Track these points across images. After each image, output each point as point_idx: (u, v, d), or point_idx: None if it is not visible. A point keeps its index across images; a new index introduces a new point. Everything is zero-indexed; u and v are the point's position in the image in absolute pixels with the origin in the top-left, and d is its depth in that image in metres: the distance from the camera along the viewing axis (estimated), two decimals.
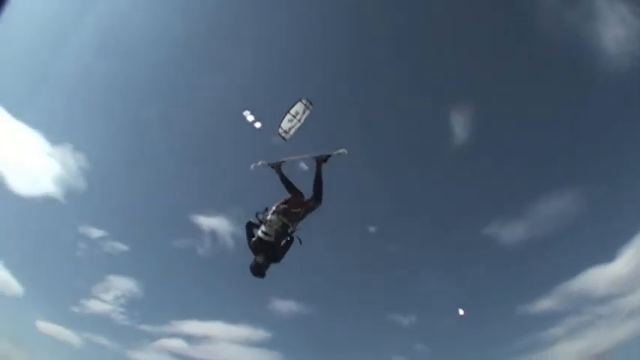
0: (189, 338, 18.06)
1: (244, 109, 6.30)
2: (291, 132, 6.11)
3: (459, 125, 16.34)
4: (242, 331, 18.17)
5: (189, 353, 18.12)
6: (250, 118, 6.66)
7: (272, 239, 4.88)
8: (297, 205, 5.22)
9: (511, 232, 16.79)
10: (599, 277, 15.29)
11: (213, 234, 17.85)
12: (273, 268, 4.86)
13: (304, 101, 5.91)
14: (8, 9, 3.47)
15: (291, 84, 15.83)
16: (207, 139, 17.49)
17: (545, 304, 15.96)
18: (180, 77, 14.54)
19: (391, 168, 18.02)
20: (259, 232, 4.97)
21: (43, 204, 16.99)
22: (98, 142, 17.17)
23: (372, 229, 17.04)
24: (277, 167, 5.58)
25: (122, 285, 17.97)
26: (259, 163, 5.74)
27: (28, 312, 16.92)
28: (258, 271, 4.77)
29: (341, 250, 18.06)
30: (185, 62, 16.15)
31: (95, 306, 17.61)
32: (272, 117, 6.12)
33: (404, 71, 16.34)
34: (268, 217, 5.05)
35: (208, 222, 17.85)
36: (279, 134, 6.12)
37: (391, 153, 17.79)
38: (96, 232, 17.57)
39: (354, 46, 16.02)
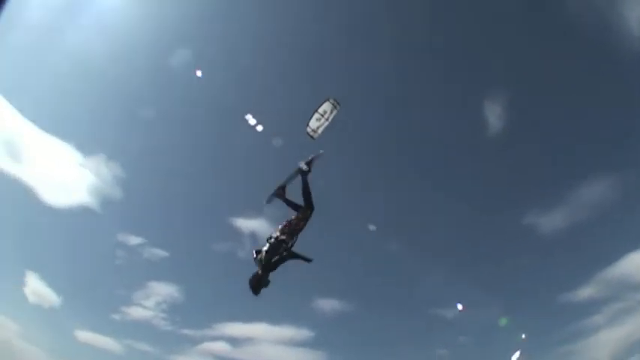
0: (233, 340, 18.13)
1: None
2: (319, 131, 6.21)
3: (493, 115, 16.36)
4: (285, 331, 18.27)
5: (232, 355, 18.17)
6: (252, 121, 6.94)
7: (268, 249, 5.22)
8: (295, 220, 5.53)
9: (550, 221, 16.80)
10: (639, 262, 14.93)
11: (254, 236, 17.72)
12: (314, 267, 5.00)
13: (332, 100, 6.03)
14: (8, 10, 3.62)
15: (316, 79, 15.97)
16: (243, 141, 17.18)
17: (586, 292, 15.89)
18: (210, 81, 14.52)
19: (428, 160, 18.13)
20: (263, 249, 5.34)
21: (79, 215, 17.27)
22: (131, 150, 17.38)
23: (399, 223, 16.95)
24: (281, 194, 5.93)
25: (163, 291, 18.15)
26: (269, 195, 5.99)
27: (66, 322, 17.18)
28: (256, 284, 5.02)
29: (382, 246, 17.76)
30: (214, 64, 16.04)
31: (136, 313, 17.83)
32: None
33: (435, 61, 16.28)
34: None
35: (248, 224, 17.85)
36: (308, 133, 6.23)
37: (427, 145, 17.84)
38: (134, 240, 17.72)
39: (385, 36, 15.87)
